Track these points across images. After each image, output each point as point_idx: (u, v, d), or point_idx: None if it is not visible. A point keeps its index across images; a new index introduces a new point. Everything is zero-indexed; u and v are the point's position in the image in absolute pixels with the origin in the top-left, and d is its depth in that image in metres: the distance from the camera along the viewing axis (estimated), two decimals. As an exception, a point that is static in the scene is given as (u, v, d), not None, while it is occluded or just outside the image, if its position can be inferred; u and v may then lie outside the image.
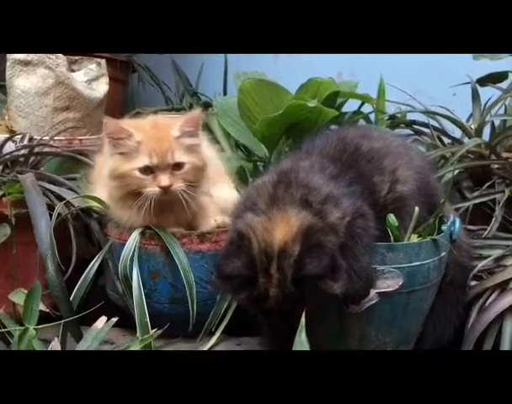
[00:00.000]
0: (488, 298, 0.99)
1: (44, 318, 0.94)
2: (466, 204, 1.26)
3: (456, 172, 1.33)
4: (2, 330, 0.93)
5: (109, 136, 1.04)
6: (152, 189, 1.02)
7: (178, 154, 1.04)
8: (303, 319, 0.54)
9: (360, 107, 1.67)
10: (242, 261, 0.80)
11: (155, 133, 1.05)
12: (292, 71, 1.73)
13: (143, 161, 1.02)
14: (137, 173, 1.03)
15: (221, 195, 1.16)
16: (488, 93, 1.50)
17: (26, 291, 0.95)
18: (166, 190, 1.02)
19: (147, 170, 1.03)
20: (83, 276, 1.05)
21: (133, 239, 1.05)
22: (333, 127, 1.43)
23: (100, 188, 1.12)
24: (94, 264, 1.07)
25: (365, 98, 1.56)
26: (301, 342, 0.52)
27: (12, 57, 1.50)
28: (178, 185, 1.03)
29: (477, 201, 1.26)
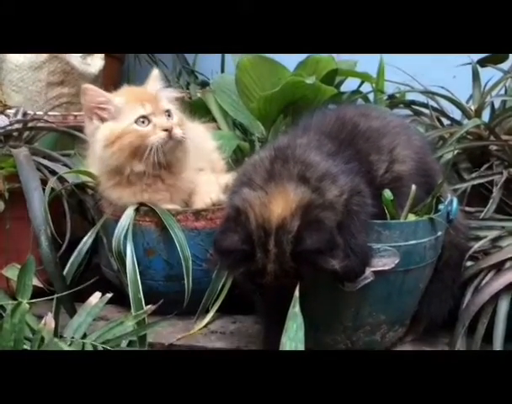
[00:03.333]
0: (483, 278, 0.98)
1: (38, 294, 0.94)
2: (464, 185, 1.25)
3: (455, 153, 1.33)
4: (-5, 304, 0.92)
5: (88, 103, 1.03)
6: (156, 137, 1.01)
7: (165, 102, 1.06)
8: (297, 292, 0.54)
9: (359, 86, 1.65)
10: (239, 236, 0.80)
11: (133, 93, 1.07)
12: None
13: (137, 112, 1.02)
14: (135, 126, 1.02)
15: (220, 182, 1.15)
16: (488, 75, 1.49)
17: (20, 266, 0.94)
18: (170, 134, 1.02)
19: (144, 120, 1.02)
20: (76, 251, 1.04)
21: (127, 215, 1.04)
22: (331, 106, 1.41)
23: (92, 164, 1.10)
24: (88, 240, 1.06)
25: (364, 77, 1.54)
26: (295, 314, 0.52)
27: (5, 30, 1.47)
28: (178, 130, 1.03)
29: (475, 182, 1.25)
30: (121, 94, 1.07)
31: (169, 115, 1.06)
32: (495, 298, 0.94)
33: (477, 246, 1.03)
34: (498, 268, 0.98)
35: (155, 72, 1.14)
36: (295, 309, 0.52)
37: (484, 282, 0.98)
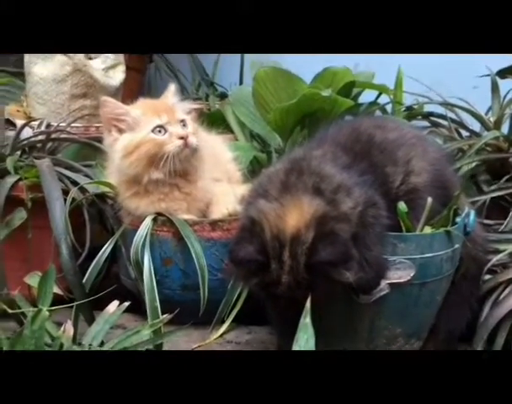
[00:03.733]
0: (501, 292, 0.97)
1: (58, 302, 0.96)
2: (483, 197, 1.24)
3: (474, 164, 1.32)
4: (17, 311, 0.94)
5: (107, 115, 1.06)
6: (172, 145, 1.04)
7: (180, 112, 1.10)
8: (308, 303, 0.54)
9: (376, 98, 1.65)
10: (254, 246, 0.80)
11: (149, 105, 1.11)
12: (309, 61, 1.71)
13: (154, 122, 1.06)
14: (153, 135, 1.05)
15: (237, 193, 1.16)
16: (508, 86, 1.47)
17: (41, 274, 0.96)
18: (186, 141, 1.05)
19: (161, 130, 1.05)
20: (95, 260, 1.06)
21: (145, 225, 1.06)
22: (348, 117, 1.41)
23: (111, 175, 1.13)
24: (107, 249, 1.09)
25: (381, 88, 1.54)
26: (306, 325, 0.53)
27: (30, 44, 1.52)
28: (193, 139, 1.06)
29: (495, 195, 1.24)
30: (138, 106, 1.10)
31: (184, 125, 1.09)
32: (513, 312, 0.93)
33: (495, 259, 1.02)
34: (517, 281, 0.97)
35: (172, 87, 1.17)
36: (306, 320, 0.53)
37: (503, 296, 0.97)
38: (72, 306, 0.99)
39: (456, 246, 0.95)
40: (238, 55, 2.07)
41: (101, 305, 0.97)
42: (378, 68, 1.68)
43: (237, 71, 2.07)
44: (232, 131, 1.56)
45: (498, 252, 1.05)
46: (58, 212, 1.05)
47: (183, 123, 1.09)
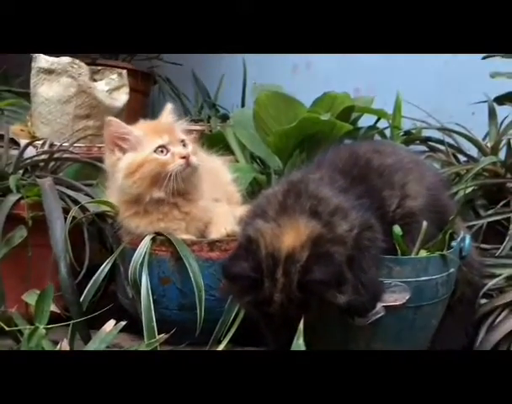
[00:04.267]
0: (497, 316, 0.97)
1: (56, 320, 0.96)
2: (480, 222, 1.25)
3: (471, 189, 1.33)
4: (14, 328, 0.95)
5: (111, 135, 1.09)
6: (175, 164, 1.07)
7: (179, 132, 1.12)
8: (301, 325, 0.55)
9: (376, 122, 1.67)
10: (248, 263, 0.81)
11: (150, 125, 1.13)
12: (310, 85, 1.75)
13: (156, 142, 1.08)
14: (155, 155, 1.07)
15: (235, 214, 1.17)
16: (505, 112, 1.49)
17: (39, 292, 0.97)
18: (188, 161, 1.07)
19: (163, 150, 1.07)
20: (93, 279, 1.07)
21: (144, 245, 1.07)
22: (346, 141, 1.43)
23: (112, 194, 1.14)
24: (105, 268, 1.09)
25: (379, 113, 1.57)
26: (299, 346, 0.53)
27: (37, 66, 1.55)
28: (194, 158, 1.09)
29: (491, 219, 1.25)
30: (139, 127, 1.13)
31: (184, 145, 1.11)
32: (509, 336, 0.93)
33: (491, 283, 1.03)
34: (513, 306, 0.97)
35: (168, 106, 1.19)
36: (299, 341, 0.53)
37: (498, 320, 0.97)
38: (68, 325, 0.99)
39: (452, 270, 0.95)
40: (241, 78, 2.11)
41: (98, 324, 0.97)
42: (378, 93, 1.71)
43: (240, 94, 2.10)
44: (232, 153, 1.58)
45: (494, 276, 1.05)
46: (58, 231, 1.06)
47: (183, 143, 1.11)
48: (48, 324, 0.89)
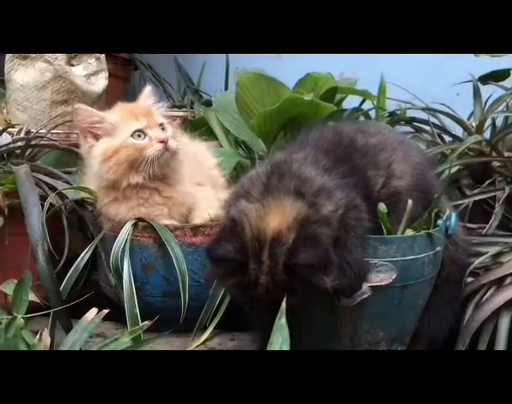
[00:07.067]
0: (484, 294, 0.97)
1: (37, 310, 0.93)
2: (466, 201, 1.24)
3: (456, 169, 1.32)
4: (-9, 319, 0.92)
5: (81, 124, 1.05)
6: (153, 149, 1.03)
7: (158, 116, 1.08)
8: (284, 304, 0.53)
9: (360, 104, 1.66)
10: (233, 245, 0.79)
11: (127, 109, 1.09)
12: (295, 70, 1.72)
13: (132, 126, 1.04)
14: (132, 140, 1.04)
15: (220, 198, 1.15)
16: (490, 91, 1.49)
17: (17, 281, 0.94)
18: (166, 145, 1.04)
19: (140, 134, 1.04)
20: (73, 267, 1.04)
21: (125, 231, 1.05)
22: (330, 122, 1.41)
23: (89, 181, 1.11)
24: (85, 255, 1.06)
25: (363, 94, 1.55)
26: (281, 327, 0.51)
27: (10, 51, 1.50)
28: (173, 142, 1.05)
29: (477, 198, 1.24)
30: (115, 111, 1.09)
31: (163, 128, 1.08)
32: (496, 314, 0.93)
33: (477, 262, 1.02)
34: (499, 283, 0.97)
35: (147, 89, 1.16)
36: (281, 321, 0.51)
37: (485, 298, 0.96)
38: (49, 314, 0.96)
39: (438, 248, 0.95)
40: (223, 63, 2.07)
41: (80, 313, 0.95)
42: (363, 76, 1.69)
43: (223, 79, 2.07)
44: (216, 138, 1.56)
45: (480, 254, 1.05)
46: (35, 218, 1.03)
47: (162, 126, 1.08)
48: (27, 314, 0.87)
